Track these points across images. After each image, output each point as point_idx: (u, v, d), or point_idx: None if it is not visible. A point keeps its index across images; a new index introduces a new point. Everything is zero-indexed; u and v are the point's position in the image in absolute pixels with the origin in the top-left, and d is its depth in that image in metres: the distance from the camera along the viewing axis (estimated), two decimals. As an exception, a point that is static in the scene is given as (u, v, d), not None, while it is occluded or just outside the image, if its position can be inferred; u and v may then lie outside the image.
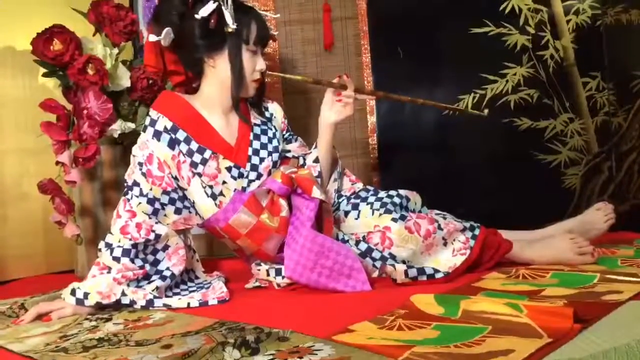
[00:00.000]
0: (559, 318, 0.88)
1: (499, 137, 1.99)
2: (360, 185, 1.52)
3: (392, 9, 2.06)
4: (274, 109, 1.52)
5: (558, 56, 1.97)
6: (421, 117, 2.06)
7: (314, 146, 1.49)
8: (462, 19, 1.99)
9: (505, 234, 1.54)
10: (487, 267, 1.40)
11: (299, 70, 2.16)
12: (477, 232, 1.40)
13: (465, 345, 0.83)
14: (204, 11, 1.27)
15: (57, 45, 1.59)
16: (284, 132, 1.53)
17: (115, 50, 1.70)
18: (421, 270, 1.32)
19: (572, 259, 1.39)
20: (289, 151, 1.52)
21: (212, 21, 1.28)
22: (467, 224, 1.42)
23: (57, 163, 1.55)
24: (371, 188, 1.51)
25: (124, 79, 1.72)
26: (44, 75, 1.66)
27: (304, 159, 1.49)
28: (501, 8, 1.96)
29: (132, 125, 1.73)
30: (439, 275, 1.32)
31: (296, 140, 1.55)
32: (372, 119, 2.12)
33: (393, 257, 1.34)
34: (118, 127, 1.67)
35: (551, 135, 1.98)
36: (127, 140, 1.78)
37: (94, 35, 1.73)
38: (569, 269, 1.28)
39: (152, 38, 1.31)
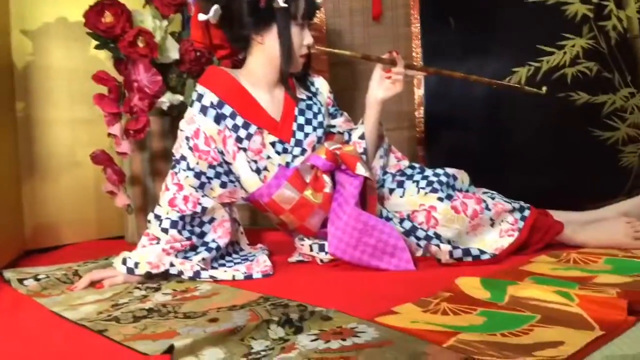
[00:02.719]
0: (612, 309, 0.85)
1: (554, 112, 1.90)
2: (406, 162, 1.49)
3: (443, -24, 1.98)
4: (320, 83, 1.50)
5: (621, 27, 1.85)
6: (471, 90, 1.98)
7: (360, 122, 1.47)
8: (519, -14, 1.90)
9: (557, 214, 1.50)
10: (536, 249, 1.36)
11: (347, 41, 2.12)
12: (526, 213, 1.36)
13: (512, 334, 0.81)
14: (253, -16, 1.25)
15: (108, 17, 1.61)
16: (330, 107, 1.51)
17: (165, 23, 1.71)
18: (466, 251, 1.29)
19: (628, 243, 1.33)
20: (334, 126, 1.50)
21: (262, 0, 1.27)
22: (517, 205, 1.38)
23: (109, 135, 1.59)
24: (417, 165, 1.48)
25: (173, 52, 1.73)
26: (96, 47, 1.69)
27: (350, 135, 1.47)
28: (561, -26, 1.86)
29: (180, 98, 1.75)
30: (485, 257, 1.29)
31: (342, 115, 1.53)
32: (419, 92, 2.07)
33: (438, 236, 1.32)
34: (167, 100, 1.70)
35: (610, 111, 1.88)
36: (175, 112, 1.80)
37: (144, 7, 1.74)
38: (623, 254, 1.23)
39: (202, 17, 1.30)
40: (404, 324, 0.87)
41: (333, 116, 1.51)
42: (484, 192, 1.54)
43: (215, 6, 1.30)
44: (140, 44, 1.59)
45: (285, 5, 1.28)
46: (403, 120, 2.13)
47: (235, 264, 1.42)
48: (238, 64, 1.47)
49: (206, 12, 1.32)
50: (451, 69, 1.98)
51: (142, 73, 1.60)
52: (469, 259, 1.29)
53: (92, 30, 1.64)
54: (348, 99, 1.99)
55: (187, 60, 1.74)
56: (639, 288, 0.99)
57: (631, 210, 1.51)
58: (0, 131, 1.67)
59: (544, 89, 1.47)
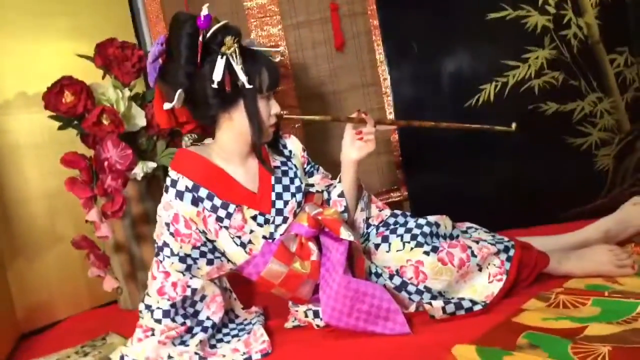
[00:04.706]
0: (606, 385, 0.88)
1: (526, 124, 1.91)
2: (387, 211, 1.50)
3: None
4: (292, 144, 1.49)
5: (582, 34, 1.87)
6: (441, 108, 2.00)
7: (337, 180, 1.47)
8: (477, 4, 1.89)
9: (541, 241, 1.53)
10: (525, 285, 1.39)
11: (313, 73, 2.11)
12: (511, 253, 1.38)
13: None
14: (217, 74, 1.23)
15: (68, 97, 1.58)
16: (305, 166, 1.50)
17: (127, 91, 1.68)
18: (459, 305, 1.31)
19: (611, 271, 1.37)
20: (312, 185, 1.50)
21: (226, 83, 1.25)
22: (501, 246, 1.40)
23: (87, 221, 1.57)
24: (399, 213, 1.49)
25: (139, 118, 1.71)
26: (60, 128, 1.65)
27: (329, 194, 1.47)
28: (517, -11, 1.85)
29: (153, 165, 1.73)
30: (477, 308, 1.31)
31: (318, 171, 1.53)
32: (390, 116, 2.07)
33: (428, 289, 1.34)
34: (140, 170, 1.67)
35: (580, 117, 1.91)
36: (150, 174, 1.78)
37: (103, 78, 1.70)
38: (609, 294, 1.26)
39: (167, 106, 1.28)
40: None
41: (310, 174, 1.51)
42: (468, 227, 1.56)
43: (179, 91, 1.28)
44: (105, 122, 1.57)
45: (251, 86, 1.27)
46: (379, 146, 2.13)
47: (232, 337, 1.42)
48: (204, 135, 1.46)
49: (169, 98, 1.29)
50: (420, 93, 2.01)
51: (111, 149, 1.58)
52: (462, 312, 1.31)
53: (54, 112, 1.61)
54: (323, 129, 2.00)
55: (154, 124, 1.72)
56: (629, 342, 1.02)
57: (612, 227, 1.54)
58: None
59: (514, 125, 1.48)
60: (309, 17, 2.05)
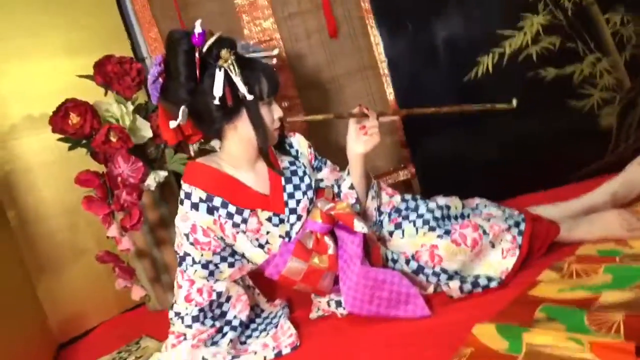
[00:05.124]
0: (622, 354, 0.92)
1: (527, 92, 1.93)
2: (398, 197, 1.53)
3: (392, -22, 1.96)
4: (298, 142, 1.52)
5: (575, -4, 1.86)
6: (441, 84, 2.00)
7: (346, 172, 1.50)
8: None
9: (550, 210, 1.56)
10: (539, 255, 1.43)
11: (310, 63, 2.11)
12: (522, 227, 1.41)
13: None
14: (217, 90, 1.25)
15: (74, 119, 1.61)
16: (313, 162, 1.53)
17: (130, 106, 1.71)
18: (475, 283, 1.35)
19: (622, 235, 1.40)
20: (322, 180, 1.53)
21: (228, 97, 1.27)
22: (512, 221, 1.43)
23: (108, 237, 1.61)
24: (409, 197, 1.52)
25: (145, 130, 1.74)
26: (70, 149, 1.69)
27: (339, 187, 1.50)
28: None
29: (164, 173, 1.76)
30: (493, 284, 1.35)
31: (325, 164, 1.56)
32: (391, 97, 2.08)
33: (445, 270, 1.38)
34: (152, 181, 1.71)
35: (580, 80, 1.91)
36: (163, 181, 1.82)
37: (105, 95, 1.73)
38: (620, 260, 1.29)
39: (173, 124, 1.30)
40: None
41: (318, 169, 1.54)
42: (478, 204, 1.59)
43: (182, 107, 1.30)
44: (113, 139, 1.60)
45: (252, 96, 1.29)
46: (382, 127, 2.15)
47: (260, 331, 1.47)
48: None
49: (173, 115, 1.32)
50: (419, 71, 2.02)
51: (123, 165, 1.61)
52: (479, 289, 1.35)
53: (61, 134, 1.64)
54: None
55: (160, 132, 1.74)
56: (641, 309, 1.06)
57: (619, 189, 1.56)
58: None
59: (514, 102, 1.49)
60: (300, 7, 2.04)
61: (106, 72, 1.65)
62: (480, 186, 1.92)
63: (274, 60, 1.44)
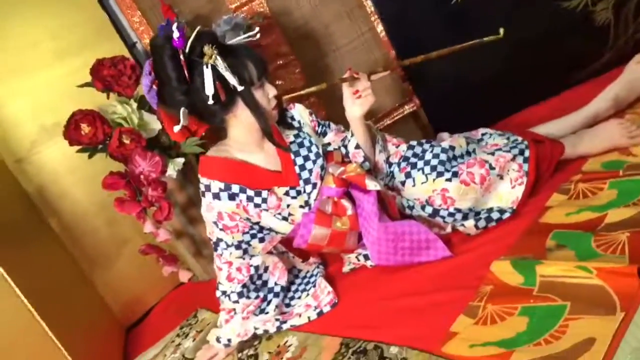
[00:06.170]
0: (626, 278, 1.01)
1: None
2: (404, 146, 1.58)
3: None
4: (299, 113, 1.57)
5: None
6: (430, 11, 1.98)
7: (350, 133, 1.55)
8: None
9: (552, 126, 1.59)
10: (547, 177, 1.48)
11: (297, 16, 2.11)
12: (527, 154, 1.46)
13: (554, 337, 0.98)
14: (209, 89, 1.30)
15: (85, 129, 1.68)
16: (317, 129, 1.59)
17: (133, 103, 1.77)
18: (489, 218, 1.43)
19: (624, 143, 1.44)
20: (329, 144, 1.59)
21: (220, 92, 1.31)
22: (516, 150, 1.47)
23: (145, 233, 1.73)
24: (414, 144, 1.57)
25: (154, 123, 1.81)
26: (89, 157, 1.77)
27: (346, 147, 1.56)
28: None
29: (181, 160, 1.84)
30: (506, 215, 1.42)
31: (330, 127, 1.61)
32: (382, 35, 2.07)
33: (458, 210, 1.46)
34: (172, 171, 1.80)
35: (570, -21, 1.86)
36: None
37: (107, 98, 1.78)
38: (623, 173, 1.34)
39: (177, 128, 1.36)
40: (465, 351, 1.06)
41: (323, 134, 1.60)
42: (483, 134, 1.64)
43: (182, 109, 1.36)
44: (127, 141, 1.68)
45: (243, 87, 1.33)
46: (379, 66, 2.15)
47: (301, 292, 1.60)
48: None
49: (175, 117, 1.38)
50: (405, 2, 1.99)
51: (141, 162, 1.70)
52: (493, 223, 1.43)
53: (78, 145, 1.72)
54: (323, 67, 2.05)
55: (168, 121, 1.81)
56: (644, 225, 1.13)
57: (619, 92, 1.58)
58: (48, 250, 1.85)
59: (502, 31, 1.49)
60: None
61: (103, 77, 1.70)
62: (484, 106, 1.96)
63: (257, 36, 1.46)
